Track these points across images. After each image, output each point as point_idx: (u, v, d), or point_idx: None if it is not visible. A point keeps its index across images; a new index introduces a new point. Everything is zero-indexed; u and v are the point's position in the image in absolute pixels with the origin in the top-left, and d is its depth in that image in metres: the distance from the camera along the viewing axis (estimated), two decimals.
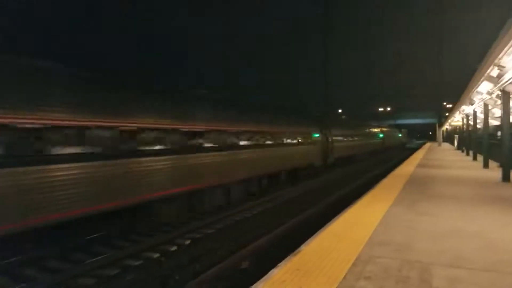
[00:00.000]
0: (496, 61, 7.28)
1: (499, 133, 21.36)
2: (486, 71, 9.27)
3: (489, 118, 19.36)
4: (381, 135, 49.45)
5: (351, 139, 31.78)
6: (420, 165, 19.64)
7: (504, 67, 7.24)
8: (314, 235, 6.04)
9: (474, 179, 13.56)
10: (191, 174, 10.57)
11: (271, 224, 10.63)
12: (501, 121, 13.61)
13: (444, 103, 64.12)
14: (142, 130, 8.90)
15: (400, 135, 75.72)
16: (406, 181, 12.75)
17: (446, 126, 60.08)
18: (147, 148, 9.03)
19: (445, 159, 25.20)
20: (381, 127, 54.63)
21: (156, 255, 8.05)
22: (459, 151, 34.43)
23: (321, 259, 4.80)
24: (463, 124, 32.38)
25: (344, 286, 3.97)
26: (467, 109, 25.01)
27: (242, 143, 13.45)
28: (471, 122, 24.48)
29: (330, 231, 6.22)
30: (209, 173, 11.40)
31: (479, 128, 24.25)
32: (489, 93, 13.90)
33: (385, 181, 13.01)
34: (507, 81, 11.12)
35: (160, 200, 9.51)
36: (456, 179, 13.37)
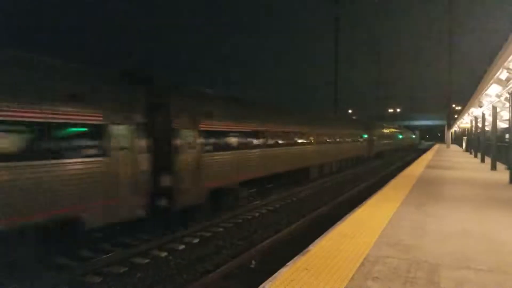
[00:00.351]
0: (505, 64, 7.28)
1: (507, 136, 21.16)
2: (495, 74, 9.25)
3: (498, 120, 19.25)
4: (400, 136, 60.19)
5: (383, 139, 41.74)
6: (429, 166, 19.56)
7: None
8: (322, 235, 6.11)
9: (481, 181, 13.50)
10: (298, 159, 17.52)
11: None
12: (509, 123, 13.54)
13: (454, 105, 63.59)
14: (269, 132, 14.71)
15: (413, 136, 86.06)
16: (415, 182, 12.74)
17: (455, 128, 59.58)
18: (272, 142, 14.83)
19: (453, 160, 25.06)
20: (400, 129, 63.72)
21: (164, 253, 8.07)
22: (468, 153, 34.16)
23: (329, 259, 4.87)
24: (471, 126, 32.11)
25: (352, 286, 4.04)
26: (475, 111, 24.83)
27: (331, 140, 23.18)
28: (480, 125, 24.30)
29: (339, 231, 6.28)
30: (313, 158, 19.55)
31: (488, 131, 24.05)
32: (498, 96, 13.83)
33: (394, 181, 13.02)
34: None
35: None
36: (464, 181, 13.33)
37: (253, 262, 7.57)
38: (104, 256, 7.69)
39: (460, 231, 6.28)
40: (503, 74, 8.47)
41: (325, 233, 6.26)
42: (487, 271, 4.46)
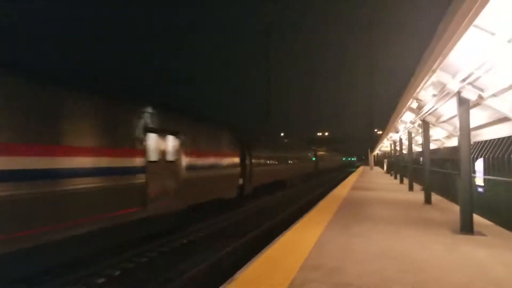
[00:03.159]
0: (414, 95, 7.98)
1: (421, 159, 23.15)
2: (407, 103, 10.12)
3: (413, 144, 21.04)
4: (343, 159, 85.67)
5: (323, 160, 56.89)
6: (354, 188, 20.56)
7: (422, 100, 7.97)
8: (249, 262, 5.96)
9: (400, 201, 14.46)
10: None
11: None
12: (423, 147, 14.78)
13: (375, 130, 68.69)
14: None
15: (343, 158, 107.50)
16: (341, 204, 13.22)
17: (377, 151, 64.11)
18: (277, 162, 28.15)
19: (375, 182, 26.70)
20: (333, 152, 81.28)
21: None
22: (388, 175, 36.73)
23: (256, 286, 4.71)
24: (391, 150, 34.75)
25: None
26: (394, 136, 26.93)
27: (299, 160, 38.04)
28: (398, 148, 26.37)
29: (266, 257, 6.17)
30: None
31: (405, 154, 26.16)
32: (412, 123, 15.11)
33: (321, 204, 13.38)
34: (426, 113, 12.17)
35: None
36: (385, 202, 14.16)
37: None
38: None
39: (382, 251, 6.53)
40: (414, 103, 9.29)
41: (253, 258, 6.12)
42: None
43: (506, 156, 9.25)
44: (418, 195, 16.08)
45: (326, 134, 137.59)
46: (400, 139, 23.98)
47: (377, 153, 67.12)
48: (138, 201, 9.47)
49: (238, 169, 17.51)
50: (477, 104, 8.86)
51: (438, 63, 6.06)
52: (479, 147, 12.13)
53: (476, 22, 5.64)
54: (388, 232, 8.29)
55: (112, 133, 8.92)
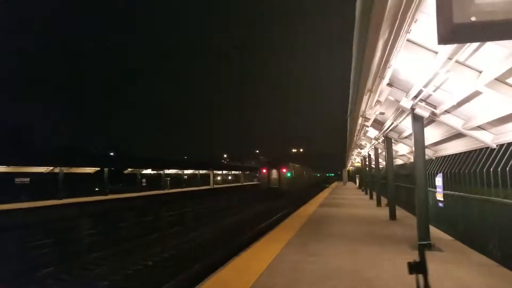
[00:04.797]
0: (361, 113, 8.09)
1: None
2: (357, 122, 10.24)
3: (382, 160, 21.35)
4: (318, 174, 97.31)
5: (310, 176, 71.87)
6: (323, 204, 20.57)
7: (369, 118, 8.10)
8: (200, 283, 5.71)
9: (366, 217, 14.50)
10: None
11: None
12: (386, 163, 14.98)
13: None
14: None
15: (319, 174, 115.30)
16: (306, 221, 13.12)
17: (350, 167, 65.03)
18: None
19: (346, 197, 26.89)
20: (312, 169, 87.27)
21: None
22: (360, 190, 37.15)
23: None
24: (362, 165, 35.24)
25: None
26: (363, 152, 27.34)
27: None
28: (368, 164, 26.73)
29: (216, 279, 5.94)
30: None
31: (374, 169, 26.54)
32: (376, 139, 15.34)
33: (287, 221, 13.24)
34: (387, 129, 12.38)
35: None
36: (351, 218, 14.16)
37: None
38: None
39: (335, 270, 6.40)
40: (369, 121, 9.42)
41: (204, 281, 5.87)
42: None
43: (461, 171, 9.42)
44: (384, 210, 16.19)
45: (301, 150, 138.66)
46: (369, 155, 24.33)
47: (351, 169, 68.15)
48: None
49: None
50: (432, 120, 9.08)
51: (372, 82, 6.07)
52: (439, 162, 12.37)
53: (420, 41, 5.80)
54: (345, 250, 8.20)
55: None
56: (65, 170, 24.21)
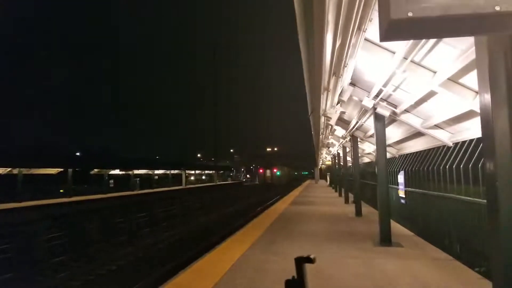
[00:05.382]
0: (322, 112, 8.17)
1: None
2: (320, 121, 10.36)
3: (349, 158, 21.72)
4: (296, 173, 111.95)
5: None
6: (294, 203, 20.71)
7: (331, 118, 8.23)
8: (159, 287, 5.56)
9: (334, 214, 14.71)
10: None
11: None
12: (352, 161, 15.23)
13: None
14: None
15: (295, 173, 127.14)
16: (275, 219, 13.14)
17: (322, 165, 66.00)
18: None
19: (316, 195, 27.21)
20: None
21: None
22: (330, 188, 37.74)
23: None
24: (332, 163, 35.80)
25: None
26: (333, 150, 27.77)
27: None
28: (337, 162, 27.17)
29: (178, 283, 5.80)
30: None
31: (342, 167, 27.01)
32: (343, 137, 15.58)
33: (256, 221, 13.21)
34: (353, 128, 12.59)
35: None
36: (319, 215, 14.32)
37: None
38: None
39: None
40: (332, 120, 9.52)
41: (162, 285, 5.71)
42: None
43: (421, 169, 9.71)
44: (351, 207, 16.47)
45: (276, 149, 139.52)
46: (338, 154, 24.72)
47: (323, 167, 69.16)
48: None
49: None
50: (394, 119, 9.30)
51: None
52: (402, 160, 12.70)
53: (378, 41, 5.87)
54: (310, 247, 8.27)
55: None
56: (25, 171, 23.16)
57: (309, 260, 1.56)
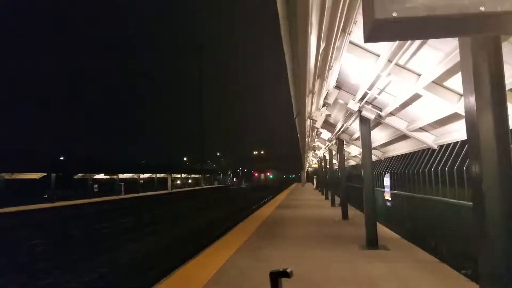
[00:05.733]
0: (307, 115, 8.15)
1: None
2: (305, 124, 10.37)
3: (335, 161, 21.80)
4: (284, 176, 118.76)
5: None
6: (280, 206, 20.65)
7: (316, 120, 8.21)
8: None
9: (320, 218, 14.68)
10: None
11: None
12: (338, 164, 15.25)
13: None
14: None
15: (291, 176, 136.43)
16: (261, 224, 13.03)
17: (309, 168, 66.24)
18: None
19: (303, 198, 27.23)
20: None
21: None
22: (317, 191, 37.84)
23: None
24: (319, 167, 35.92)
25: None
26: (319, 153, 27.86)
27: None
28: (323, 165, 27.24)
29: None
30: None
31: (329, 170, 27.10)
32: (329, 140, 15.61)
33: (241, 225, 13.08)
34: (339, 131, 12.61)
35: None
36: (305, 219, 14.27)
37: None
38: None
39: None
40: (318, 123, 9.53)
41: None
42: None
43: (406, 171, 9.76)
44: (338, 210, 16.46)
45: (262, 152, 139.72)
46: (324, 156, 24.79)
47: (309, 170, 69.40)
48: None
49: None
50: (379, 122, 9.33)
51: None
52: (387, 162, 12.78)
53: (363, 44, 5.89)
54: (296, 253, 8.18)
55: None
56: (7, 176, 22.56)
57: (286, 274, 1.45)
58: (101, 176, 37.20)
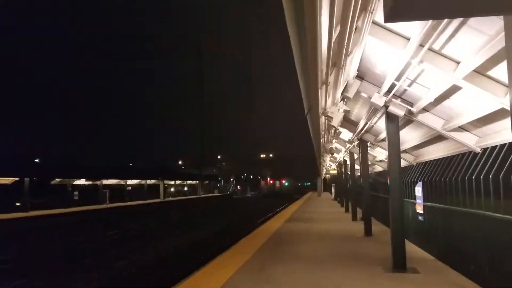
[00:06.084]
0: (321, 111, 8.04)
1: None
2: (319, 122, 10.27)
3: (357, 166, 21.64)
4: (299, 184, 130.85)
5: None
6: (291, 219, 20.57)
7: (333, 117, 8.09)
8: None
9: (339, 234, 14.56)
10: None
11: None
12: (360, 170, 15.12)
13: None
14: None
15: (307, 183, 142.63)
16: (267, 239, 12.97)
17: (326, 175, 65.88)
18: None
19: (318, 211, 27.09)
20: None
21: None
22: (336, 202, 37.63)
23: None
24: (338, 173, 35.70)
25: None
26: (339, 157, 27.69)
27: None
28: (344, 171, 27.07)
29: None
30: None
31: (349, 177, 26.90)
32: (350, 142, 15.48)
33: (244, 240, 13.04)
34: (361, 130, 12.48)
35: None
36: (321, 235, 14.16)
37: None
38: None
39: None
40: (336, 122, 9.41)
41: None
42: None
43: (442, 179, 9.59)
44: (360, 225, 16.33)
45: (271, 155, 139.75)
46: (344, 161, 24.62)
47: (327, 177, 69.05)
48: None
49: None
50: (410, 120, 9.18)
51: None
52: (420, 168, 12.61)
53: (390, 25, 5.78)
54: (309, 274, 8.09)
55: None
56: None
57: None
58: (82, 181, 37.43)
